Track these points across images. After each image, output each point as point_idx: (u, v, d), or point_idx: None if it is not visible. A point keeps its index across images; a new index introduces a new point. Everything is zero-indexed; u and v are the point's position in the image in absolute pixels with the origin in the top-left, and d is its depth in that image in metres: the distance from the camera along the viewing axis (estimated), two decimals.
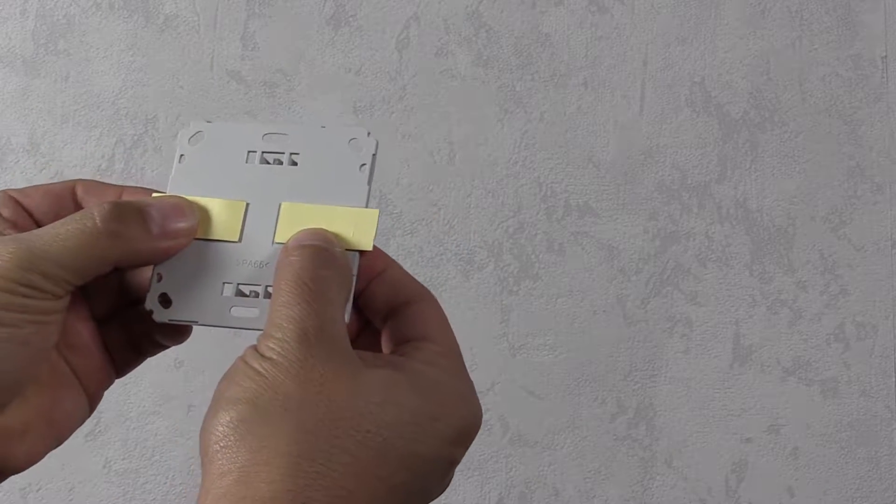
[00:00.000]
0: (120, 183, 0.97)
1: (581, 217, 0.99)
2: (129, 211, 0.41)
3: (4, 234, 0.40)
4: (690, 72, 1.03)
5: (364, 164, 0.45)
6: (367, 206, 0.44)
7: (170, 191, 0.44)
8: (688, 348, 1.00)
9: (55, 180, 0.99)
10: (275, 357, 0.37)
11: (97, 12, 0.98)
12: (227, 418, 0.36)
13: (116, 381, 0.46)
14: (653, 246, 1.00)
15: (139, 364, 0.46)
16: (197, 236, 0.43)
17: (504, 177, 0.99)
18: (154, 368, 0.95)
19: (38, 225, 0.42)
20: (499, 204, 0.98)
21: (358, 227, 0.43)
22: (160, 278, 0.44)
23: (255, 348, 0.38)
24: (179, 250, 0.42)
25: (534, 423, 0.98)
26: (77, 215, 0.40)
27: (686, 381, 0.99)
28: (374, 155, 0.46)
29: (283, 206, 0.44)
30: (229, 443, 0.35)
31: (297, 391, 0.36)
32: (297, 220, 0.44)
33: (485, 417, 0.99)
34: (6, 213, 0.42)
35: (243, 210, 0.44)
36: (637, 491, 0.98)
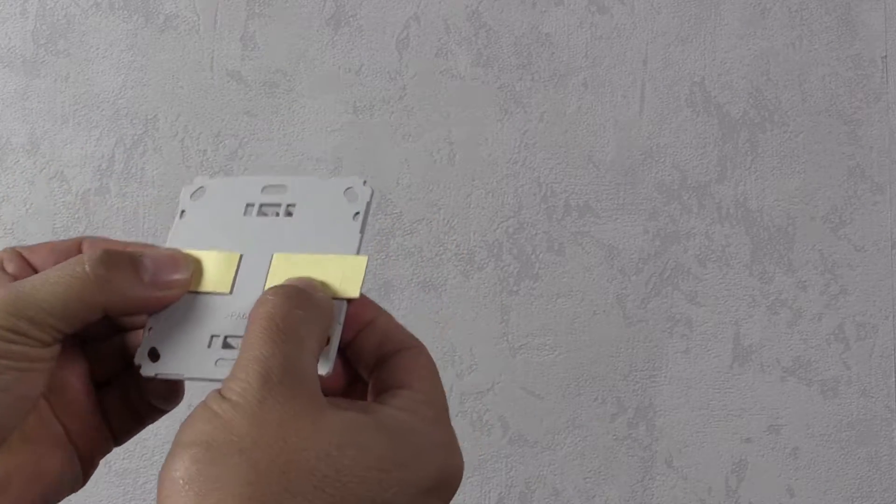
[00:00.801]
0: (120, 184, 0.97)
1: (581, 217, 0.99)
2: (121, 258, 0.40)
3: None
4: (690, 72, 1.03)
5: (358, 213, 0.45)
6: (357, 254, 0.44)
7: (168, 244, 0.44)
8: (688, 348, 1.00)
9: (55, 180, 0.99)
10: (234, 398, 0.35)
11: (97, 12, 0.98)
12: (180, 462, 0.34)
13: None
14: (653, 246, 1.00)
15: (139, 431, 0.44)
16: (190, 289, 0.43)
17: (504, 177, 0.99)
18: None
19: None
20: (499, 204, 0.98)
21: (346, 274, 0.43)
22: (151, 331, 0.43)
23: (218, 391, 0.37)
24: (172, 302, 0.42)
25: (534, 423, 0.98)
26: (68, 262, 0.40)
27: (686, 381, 0.99)
28: (368, 203, 0.46)
29: (274, 257, 0.44)
30: (179, 487, 0.34)
31: (252, 432, 0.34)
32: (287, 269, 0.44)
33: (485, 418, 0.99)
34: (10, 268, 0.42)
35: (237, 262, 0.44)
36: (637, 491, 0.98)
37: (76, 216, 0.95)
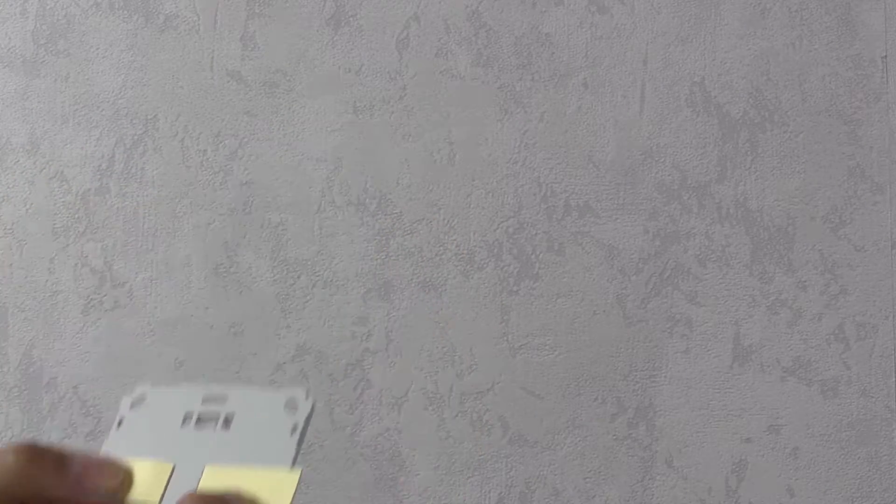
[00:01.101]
0: (120, 184, 0.97)
1: (581, 217, 0.99)
2: (49, 454, 0.37)
3: None
4: (690, 72, 1.03)
5: (296, 427, 0.45)
6: (292, 468, 0.43)
7: (102, 453, 0.43)
8: (688, 348, 1.00)
9: (55, 180, 0.99)
10: None
11: (97, 12, 0.98)
12: None
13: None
14: (653, 246, 1.00)
15: None
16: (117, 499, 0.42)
17: (504, 177, 0.99)
18: (154, 368, 0.95)
19: None
20: (499, 204, 0.98)
21: (275, 488, 0.42)
22: None
23: None
24: None
25: (534, 423, 0.98)
26: None
27: (686, 382, 0.99)
28: (308, 416, 0.45)
29: (206, 469, 0.44)
30: None
31: None
32: (218, 482, 0.43)
33: (485, 418, 0.99)
34: None
35: (168, 473, 0.44)
36: (637, 491, 0.98)
37: (76, 216, 0.95)
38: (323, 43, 0.98)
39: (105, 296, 0.95)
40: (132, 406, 0.46)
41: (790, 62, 1.05)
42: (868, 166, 1.04)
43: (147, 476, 0.44)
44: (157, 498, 0.43)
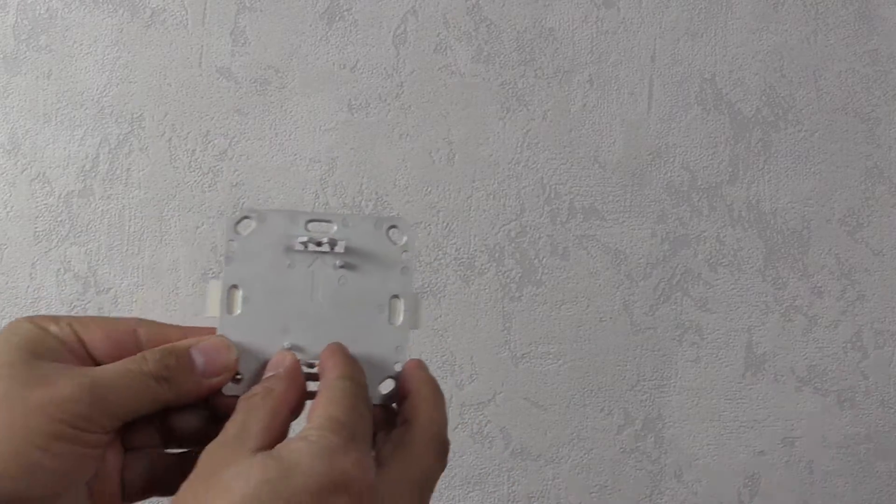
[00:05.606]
0: (104, 185, 0.93)
1: (586, 220, 0.95)
2: (179, 357, 0.47)
3: (71, 367, 0.45)
4: (700, 68, 0.99)
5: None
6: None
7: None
8: (698, 357, 0.96)
9: (37, 182, 0.95)
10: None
11: (81, 6, 0.94)
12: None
13: None
14: (661, 250, 0.96)
15: (146, 499, 0.49)
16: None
17: (506, 178, 0.95)
18: None
19: (96, 360, 0.48)
20: (500, 206, 0.95)
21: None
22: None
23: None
24: (222, 386, 0.48)
25: (537, 436, 0.94)
26: (133, 360, 0.46)
27: (696, 391, 0.95)
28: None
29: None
30: None
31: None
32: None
33: (486, 429, 0.95)
34: (72, 350, 0.46)
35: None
36: None
37: (59, 219, 0.92)
38: (316, 38, 0.95)
39: (89, 302, 0.92)
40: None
41: (805, 58, 1.01)
42: (886, 166, 1.00)
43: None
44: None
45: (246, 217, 0.52)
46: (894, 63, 1.02)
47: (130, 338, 0.48)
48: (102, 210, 0.92)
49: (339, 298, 0.50)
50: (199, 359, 0.48)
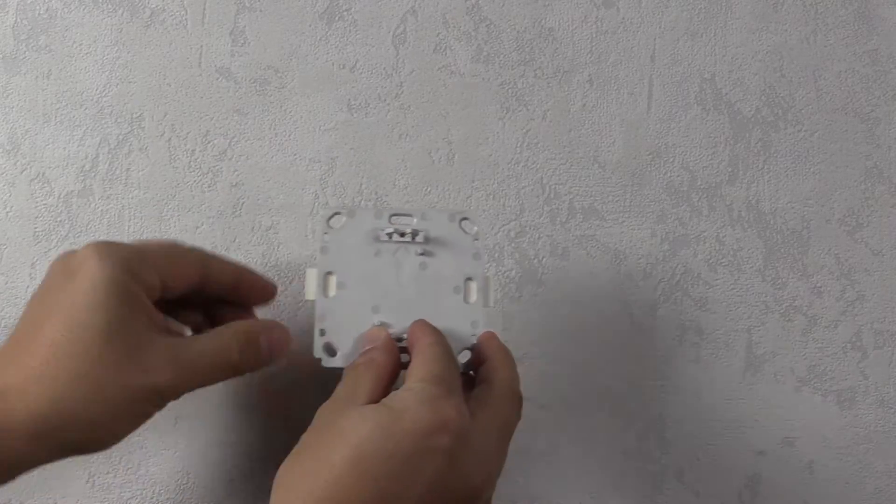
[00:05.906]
0: (104, 185, 0.92)
1: (586, 220, 0.95)
2: (253, 344, 0.60)
3: (162, 341, 0.56)
4: (700, 68, 0.99)
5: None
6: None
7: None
8: (698, 357, 0.96)
9: (36, 182, 0.95)
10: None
11: (80, 6, 0.94)
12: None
13: None
14: (661, 250, 0.96)
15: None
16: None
17: (505, 178, 0.95)
18: None
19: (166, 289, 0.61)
20: (500, 206, 0.94)
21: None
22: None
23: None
24: (274, 363, 0.63)
25: (536, 436, 0.94)
26: (223, 351, 0.58)
27: (696, 392, 0.95)
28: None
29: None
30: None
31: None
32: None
33: None
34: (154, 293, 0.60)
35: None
36: None
37: (58, 219, 0.92)
38: (316, 38, 0.95)
39: None
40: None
41: (805, 58, 1.01)
42: (886, 166, 1.00)
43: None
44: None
45: (337, 213, 0.59)
46: (894, 63, 1.02)
47: (197, 270, 0.61)
48: (102, 210, 0.92)
49: (420, 281, 0.57)
50: (265, 344, 0.59)
